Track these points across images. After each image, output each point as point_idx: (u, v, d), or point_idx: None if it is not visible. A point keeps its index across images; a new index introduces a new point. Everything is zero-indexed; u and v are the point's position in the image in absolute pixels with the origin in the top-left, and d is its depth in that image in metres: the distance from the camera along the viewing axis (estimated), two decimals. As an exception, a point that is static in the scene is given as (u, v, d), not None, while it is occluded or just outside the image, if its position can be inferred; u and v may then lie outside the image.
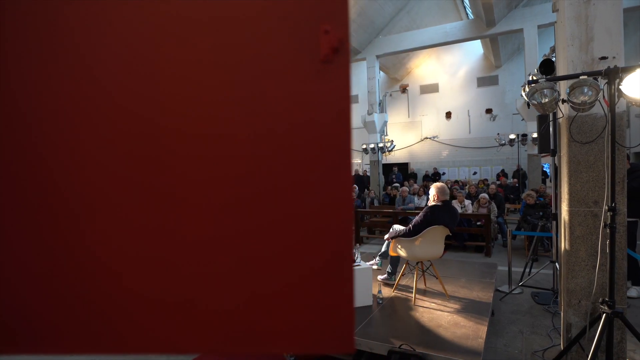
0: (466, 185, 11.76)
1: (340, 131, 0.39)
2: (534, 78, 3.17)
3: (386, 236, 4.09)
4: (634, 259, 4.20)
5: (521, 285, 4.73)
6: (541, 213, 5.80)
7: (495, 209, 7.51)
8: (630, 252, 4.06)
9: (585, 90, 2.38)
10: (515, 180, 12.94)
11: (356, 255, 3.78)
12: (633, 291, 4.51)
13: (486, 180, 14.46)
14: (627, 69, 2.29)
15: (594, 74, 2.40)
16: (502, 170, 15.66)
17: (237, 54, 0.41)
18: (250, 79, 0.41)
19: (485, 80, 17.16)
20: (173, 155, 0.41)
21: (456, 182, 14.30)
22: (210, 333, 0.40)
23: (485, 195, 7.67)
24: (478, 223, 7.13)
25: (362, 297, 3.54)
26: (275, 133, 0.41)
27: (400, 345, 2.68)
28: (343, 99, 0.40)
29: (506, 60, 16.67)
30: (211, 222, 0.41)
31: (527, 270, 4.97)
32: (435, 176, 16.10)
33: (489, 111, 17.00)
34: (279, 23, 0.41)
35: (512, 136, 12.67)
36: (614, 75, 2.31)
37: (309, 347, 0.41)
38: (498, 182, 12.47)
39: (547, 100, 2.52)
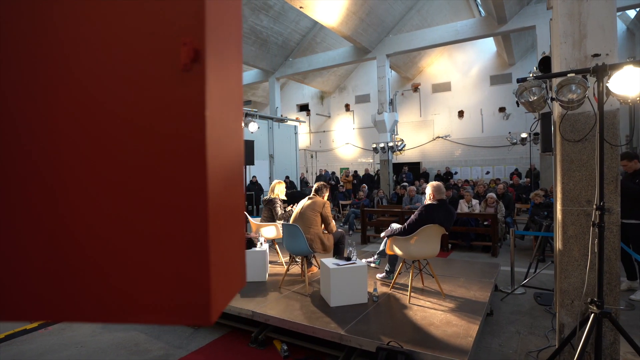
0: (476, 185, 11.61)
1: (194, 131, 0.46)
2: (533, 76, 3.14)
3: (382, 234, 4.12)
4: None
5: (523, 285, 4.68)
6: (546, 212, 5.71)
7: (503, 208, 7.40)
8: (634, 253, 3.97)
9: (574, 88, 2.36)
10: (528, 179, 12.70)
11: (352, 254, 3.81)
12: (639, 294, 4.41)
13: (498, 179, 14.26)
14: (615, 66, 2.26)
15: (582, 72, 2.37)
16: (516, 170, 15.41)
17: (113, 64, 0.48)
18: (122, 86, 0.48)
19: (499, 79, 16.91)
20: (65, 150, 0.48)
21: (466, 181, 14.15)
22: (72, 300, 0.48)
23: (492, 194, 7.55)
24: (485, 223, 7.04)
25: (357, 295, 3.57)
26: (146, 134, 0.47)
27: (389, 342, 2.71)
28: (199, 104, 0.46)
29: (520, 58, 16.38)
30: (88, 209, 0.48)
31: (533, 270, 4.91)
32: (447, 176, 15.95)
33: (502, 110, 16.75)
34: (147, 38, 0.47)
35: (524, 135, 12.41)
36: (602, 72, 2.28)
37: (168, 319, 0.47)
38: (510, 182, 12.27)
39: (535, 98, 2.50)
